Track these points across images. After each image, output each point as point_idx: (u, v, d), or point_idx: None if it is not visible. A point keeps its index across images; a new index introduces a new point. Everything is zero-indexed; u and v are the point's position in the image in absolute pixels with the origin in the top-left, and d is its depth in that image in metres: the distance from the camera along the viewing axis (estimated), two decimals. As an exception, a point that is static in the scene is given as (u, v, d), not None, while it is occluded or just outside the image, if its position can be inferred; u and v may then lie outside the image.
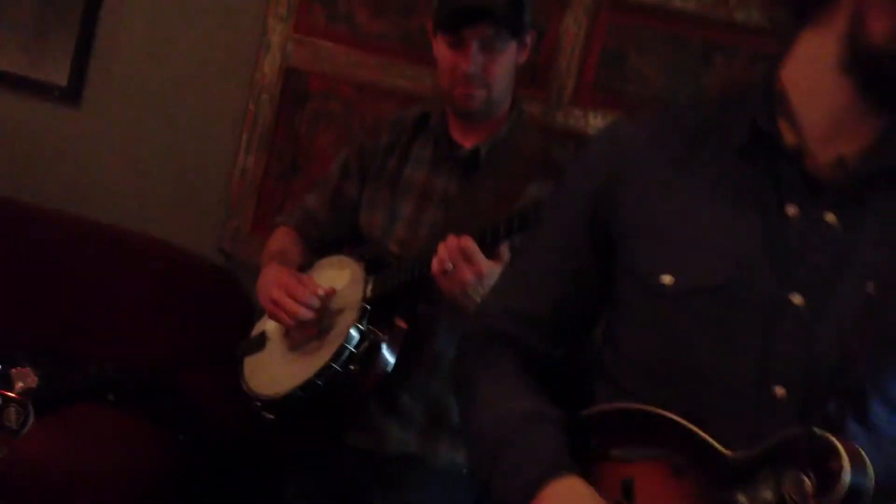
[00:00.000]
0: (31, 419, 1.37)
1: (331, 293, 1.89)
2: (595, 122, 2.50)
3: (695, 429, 1.03)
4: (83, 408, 2.18)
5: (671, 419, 1.05)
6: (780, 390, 1.03)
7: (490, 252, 1.69)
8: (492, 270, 1.68)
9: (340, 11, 2.67)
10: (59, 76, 2.84)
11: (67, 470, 1.93)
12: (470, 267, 1.67)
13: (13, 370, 1.40)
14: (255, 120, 2.72)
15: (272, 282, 1.90)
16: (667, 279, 1.08)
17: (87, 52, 2.83)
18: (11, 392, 1.36)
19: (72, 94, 2.84)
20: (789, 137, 1.09)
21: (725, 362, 1.05)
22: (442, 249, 1.69)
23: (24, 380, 1.40)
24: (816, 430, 0.96)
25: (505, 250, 1.73)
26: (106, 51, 2.83)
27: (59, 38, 2.82)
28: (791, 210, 1.06)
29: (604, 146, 1.22)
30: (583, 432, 1.13)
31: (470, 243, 1.67)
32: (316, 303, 1.86)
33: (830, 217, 1.05)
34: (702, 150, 1.13)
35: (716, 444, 1.02)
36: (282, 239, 2.11)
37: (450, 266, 1.68)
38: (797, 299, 1.04)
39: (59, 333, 2.47)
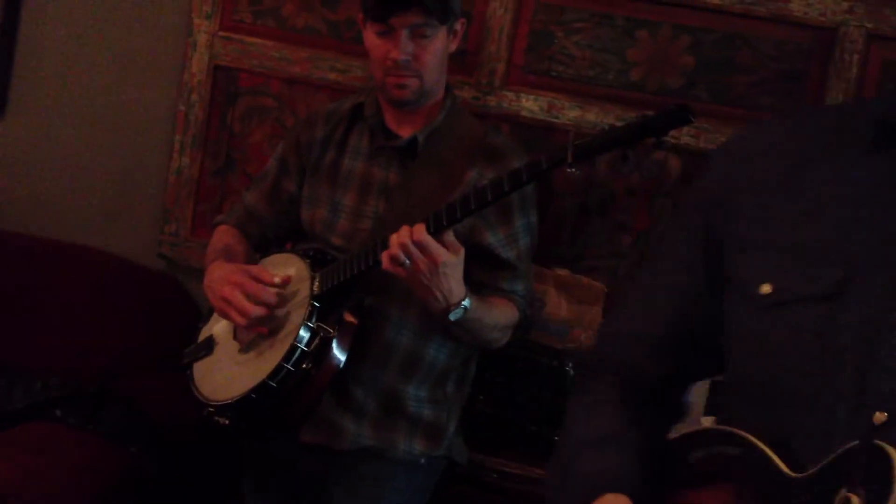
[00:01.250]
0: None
1: (287, 280, 1.89)
2: (528, 104, 2.52)
3: (763, 447, 0.95)
4: (31, 426, 2.14)
5: (744, 438, 0.97)
6: (880, 416, 0.90)
7: (436, 239, 1.70)
8: (448, 259, 1.70)
9: (266, 6, 2.64)
10: (-19, 88, 2.78)
11: (19, 493, 1.90)
12: (424, 257, 1.68)
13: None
14: (186, 120, 2.69)
15: (222, 279, 1.88)
16: (766, 288, 1.00)
17: (8, 63, 2.76)
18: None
19: (-5, 105, 2.78)
20: None
21: (822, 382, 0.94)
22: (394, 241, 1.69)
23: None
24: (877, 441, 0.84)
25: (452, 239, 1.74)
26: (28, 60, 2.76)
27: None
28: None
29: (719, 158, 1.16)
30: (672, 456, 1.07)
31: (422, 234, 1.68)
32: (271, 299, 1.86)
33: None
34: (822, 153, 1.04)
35: (781, 465, 0.93)
36: (225, 238, 2.09)
37: (404, 259, 1.68)
38: None
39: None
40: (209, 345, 2.01)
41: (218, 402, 1.88)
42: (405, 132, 1.99)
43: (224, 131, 2.69)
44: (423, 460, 1.99)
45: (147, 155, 2.73)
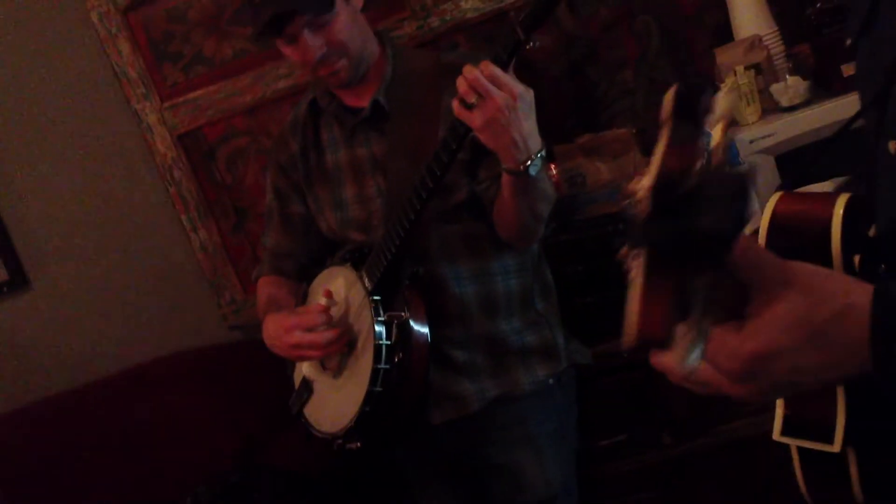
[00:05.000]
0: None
1: (328, 294, 1.87)
2: (468, 4, 2.43)
3: None
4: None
5: None
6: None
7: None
8: (524, 92, 1.55)
9: (189, 56, 2.60)
10: (-2, 273, 2.81)
11: None
12: (500, 90, 1.52)
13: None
14: (182, 198, 2.68)
15: (278, 330, 1.88)
16: None
17: (4, 235, 2.78)
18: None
19: (19, 281, 2.80)
20: None
21: None
22: (463, 81, 1.55)
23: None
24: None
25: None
26: (20, 226, 2.78)
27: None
28: None
29: None
30: None
31: (491, 67, 1.52)
32: (328, 318, 1.84)
33: None
34: None
35: None
36: (266, 290, 2.09)
37: (473, 98, 1.53)
38: None
39: (140, 485, 2.47)
40: (307, 386, 2.01)
41: (340, 431, 1.87)
42: (365, 101, 1.92)
43: (220, 189, 2.68)
44: (551, 381, 1.96)
45: (167, 247, 2.74)
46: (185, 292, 2.76)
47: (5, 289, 2.80)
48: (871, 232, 0.85)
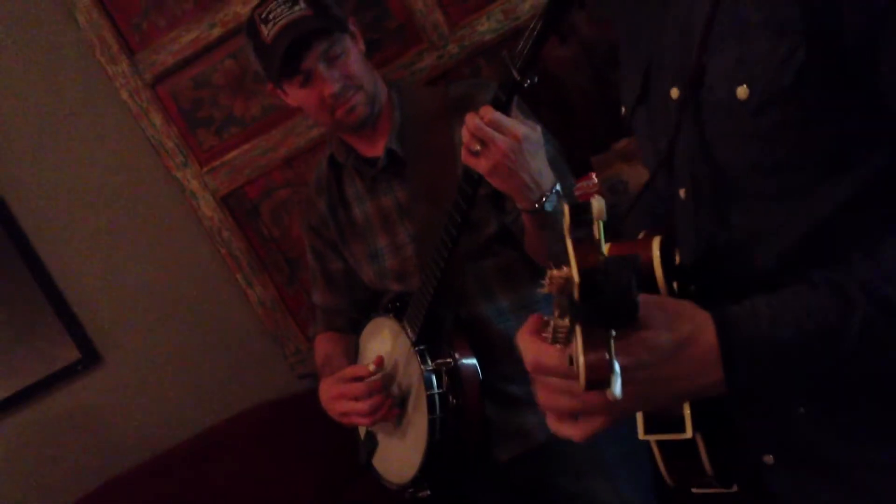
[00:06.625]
0: None
1: (379, 362, 1.88)
2: (485, 27, 2.40)
3: None
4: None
5: None
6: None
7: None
8: (529, 133, 1.52)
9: (220, 119, 2.63)
10: (71, 352, 2.88)
11: None
12: (504, 135, 1.50)
13: None
14: (233, 257, 2.72)
15: (329, 399, 1.92)
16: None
17: (72, 316, 2.86)
18: None
19: (91, 358, 2.87)
20: None
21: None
22: (465, 132, 1.54)
23: None
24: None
25: (523, 119, 1.57)
26: (85, 305, 2.85)
27: (40, 324, 2.86)
28: None
29: None
30: None
31: (491, 113, 1.51)
32: (374, 384, 1.84)
33: None
34: None
35: None
36: (322, 349, 2.13)
37: (477, 146, 1.51)
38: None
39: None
40: (371, 437, 2.02)
41: (408, 481, 1.88)
42: (379, 150, 1.93)
43: (269, 243, 2.71)
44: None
45: (227, 308, 2.78)
46: (251, 348, 2.80)
47: (80, 367, 2.88)
48: (677, 261, 1.09)
